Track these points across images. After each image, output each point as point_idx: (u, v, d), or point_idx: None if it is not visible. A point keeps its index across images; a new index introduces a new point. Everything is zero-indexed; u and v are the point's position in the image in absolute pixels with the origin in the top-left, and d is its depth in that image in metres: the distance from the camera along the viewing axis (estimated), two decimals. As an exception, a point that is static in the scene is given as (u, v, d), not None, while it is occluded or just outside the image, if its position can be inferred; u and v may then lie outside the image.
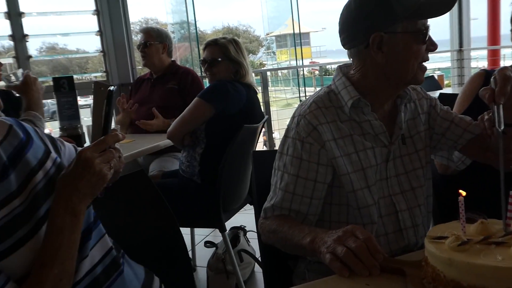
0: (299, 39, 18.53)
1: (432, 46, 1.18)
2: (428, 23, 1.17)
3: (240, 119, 2.22)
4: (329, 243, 0.97)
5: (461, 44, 5.20)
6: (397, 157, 1.26)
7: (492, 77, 1.08)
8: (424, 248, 0.91)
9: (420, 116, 1.31)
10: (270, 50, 30.13)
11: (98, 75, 4.11)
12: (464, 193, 0.93)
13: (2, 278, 0.87)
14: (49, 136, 1.14)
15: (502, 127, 1.04)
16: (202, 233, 3.26)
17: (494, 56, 6.12)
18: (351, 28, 1.20)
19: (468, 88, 1.57)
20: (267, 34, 28.92)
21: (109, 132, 1.00)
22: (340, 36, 1.24)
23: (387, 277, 0.91)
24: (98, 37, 3.60)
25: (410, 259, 0.98)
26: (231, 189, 2.29)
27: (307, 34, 25.36)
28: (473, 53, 5.53)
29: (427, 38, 1.16)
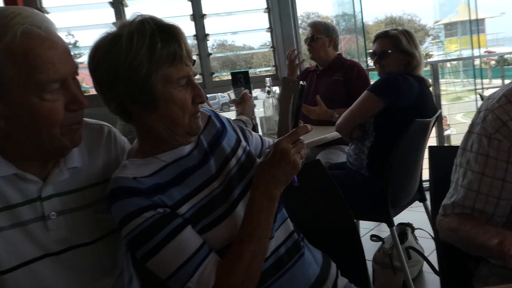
0: (475, 26, 16.91)
1: None
2: None
3: (411, 113, 2.15)
4: None
5: None
6: None
7: None
8: None
9: None
10: (437, 40, 28.26)
11: (263, 70, 4.34)
12: None
13: (206, 248, 1.02)
14: (240, 126, 1.27)
15: None
16: (367, 227, 3.24)
17: None
18: None
19: None
20: (436, 23, 27.15)
21: (298, 124, 1.06)
22: None
23: None
24: (266, 34, 3.79)
25: None
26: (400, 184, 2.23)
27: (482, 20, 23.09)
28: None
29: None
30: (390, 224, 2.18)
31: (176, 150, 1.10)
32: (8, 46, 0.88)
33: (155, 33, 0.97)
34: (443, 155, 1.40)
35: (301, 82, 1.04)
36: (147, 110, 1.02)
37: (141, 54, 0.96)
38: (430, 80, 2.47)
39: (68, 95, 0.95)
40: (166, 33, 0.99)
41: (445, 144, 4.05)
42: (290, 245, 1.16)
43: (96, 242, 1.09)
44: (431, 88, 2.52)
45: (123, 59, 0.97)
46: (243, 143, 1.22)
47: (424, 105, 2.27)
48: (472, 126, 1.19)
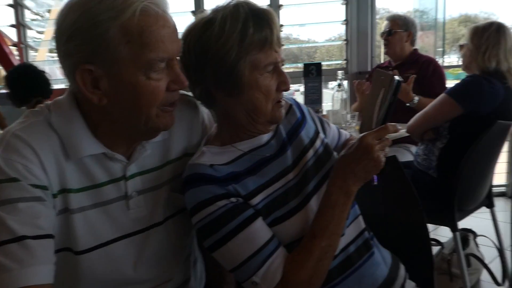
0: None
1: None
2: None
3: (492, 118, 2.02)
4: None
5: None
6: None
7: None
8: None
9: None
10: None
11: (332, 63, 4.28)
12: None
13: (275, 241, 1.01)
14: (319, 117, 1.25)
15: None
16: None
17: None
18: None
19: None
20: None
21: (388, 121, 1.03)
22: None
23: None
24: (332, 28, 3.77)
25: None
26: (470, 188, 2.15)
27: None
28: None
29: None
30: (454, 229, 2.11)
31: (254, 139, 1.08)
32: (126, 23, 0.86)
33: (249, 18, 0.96)
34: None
35: (397, 78, 0.99)
36: (231, 96, 1.01)
37: (232, 39, 0.95)
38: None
39: (172, 74, 0.94)
40: (259, 18, 0.97)
41: None
42: (361, 244, 1.12)
43: (166, 221, 1.08)
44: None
45: (213, 44, 0.96)
46: (322, 134, 1.19)
47: (507, 109, 2.13)
48: None
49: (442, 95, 2.16)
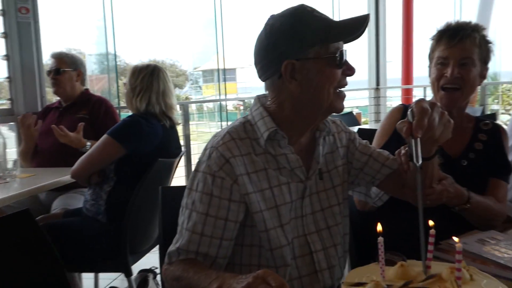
0: (227, 75, 18.88)
1: (349, 71, 1.12)
2: (344, 47, 1.11)
3: (154, 156, 2.07)
4: None
5: (378, 83, 5.44)
6: (313, 193, 1.18)
7: (409, 110, 1.05)
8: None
9: (339, 150, 1.24)
10: (196, 85, 30.22)
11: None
12: (380, 228, 0.88)
13: None
14: None
15: (420, 162, 1.00)
16: (109, 277, 2.99)
17: (407, 95, 6.55)
18: (264, 59, 1.12)
19: (386, 122, 1.57)
20: (195, 69, 29.00)
21: None
22: (255, 68, 1.16)
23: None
24: (5, 62, 3.31)
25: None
26: (140, 229, 2.12)
27: (234, 70, 25.73)
28: (388, 93, 5.84)
29: (343, 62, 1.09)
30: (128, 274, 2.04)
31: None
32: None
33: None
34: (175, 196, 1.29)
35: None
36: None
37: None
38: (179, 120, 2.41)
39: None
40: None
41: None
42: None
43: None
44: (179, 128, 2.51)
45: None
46: None
47: (167, 147, 2.22)
48: (198, 164, 1.15)
49: (104, 136, 2.10)
